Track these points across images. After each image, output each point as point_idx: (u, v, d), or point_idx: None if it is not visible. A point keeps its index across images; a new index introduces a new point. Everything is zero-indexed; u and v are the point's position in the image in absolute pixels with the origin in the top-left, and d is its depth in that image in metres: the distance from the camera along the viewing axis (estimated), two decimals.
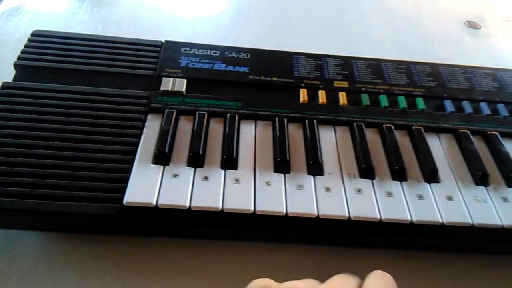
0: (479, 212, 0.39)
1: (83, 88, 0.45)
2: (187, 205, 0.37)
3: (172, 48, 0.52)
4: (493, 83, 0.54)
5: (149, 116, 0.44)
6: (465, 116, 0.49)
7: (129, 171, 0.39)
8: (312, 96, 0.49)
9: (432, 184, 0.41)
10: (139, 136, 0.42)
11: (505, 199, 0.41)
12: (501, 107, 0.50)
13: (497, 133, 0.47)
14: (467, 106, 0.50)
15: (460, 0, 0.89)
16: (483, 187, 0.42)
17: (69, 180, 0.38)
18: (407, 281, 0.31)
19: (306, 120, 0.45)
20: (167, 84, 0.47)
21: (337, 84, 0.51)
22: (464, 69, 0.55)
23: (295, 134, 0.45)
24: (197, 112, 0.44)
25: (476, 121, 0.48)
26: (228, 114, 0.45)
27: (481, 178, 0.42)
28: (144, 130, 0.43)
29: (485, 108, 0.50)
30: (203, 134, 0.42)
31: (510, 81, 0.54)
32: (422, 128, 0.46)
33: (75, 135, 0.41)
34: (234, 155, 0.41)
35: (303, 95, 0.49)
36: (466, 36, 0.77)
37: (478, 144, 0.46)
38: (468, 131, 0.47)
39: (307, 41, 0.66)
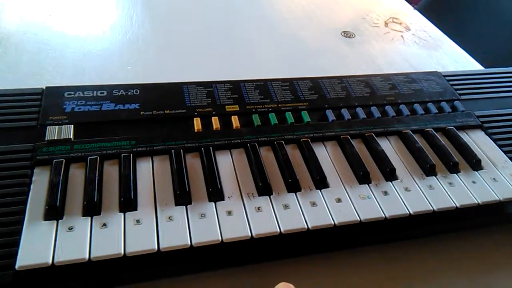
0: (365, 208, 0.44)
1: None
2: (86, 257, 0.36)
3: (55, 93, 0.50)
4: (366, 89, 0.61)
5: (35, 170, 0.42)
6: (345, 123, 0.54)
7: (19, 232, 0.37)
8: (206, 123, 0.51)
9: (323, 190, 0.46)
10: (26, 193, 0.40)
11: (385, 193, 0.46)
12: (374, 109, 0.57)
13: (372, 133, 0.53)
14: (346, 113, 0.56)
15: (335, 12, 0.99)
16: (366, 185, 0.47)
17: None
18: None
19: (202, 148, 0.47)
20: (53, 132, 0.45)
21: (228, 108, 0.53)
22: (340, 79, 0.62)
23: (193, 164, 0.46)
24: (88, 158, 0.43)
25: (355, 126, 0.54)
26: (122, 155, 0.44)
27: (363, 177, 0.47)
28: (32, 185, 0.41)
29: (360, 112, 0.56)
30: (96, 179, 0.42)
31: (380, 85, 0.62)
32: (309, 140, 0.51)
33: None
34: (132, 196, 0.41)
35: (197, 124, 0.50)
36: (343, 45, 0.86)
37: (358, 146, 0.52)
38: (348, 136, 0.52)
39: (198, 69, 0.68)
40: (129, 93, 0.52)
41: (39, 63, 0.66)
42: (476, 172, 0.51)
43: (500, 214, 0.48)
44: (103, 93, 0.52)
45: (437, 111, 0.58)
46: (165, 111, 0.51)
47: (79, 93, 0.51)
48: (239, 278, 0.41)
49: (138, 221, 0.39)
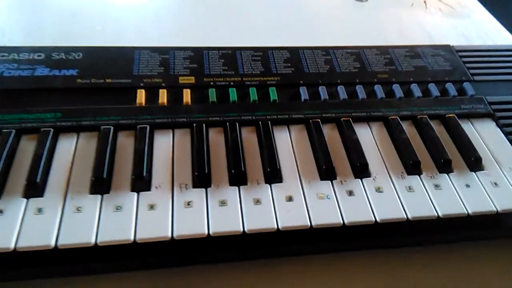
0: (319, 211, 0.36)
1: None
2: None
3: None
4: (355, 63, 0.51)
5: None
6: (319, 103, 0.46)
7: None
8: (152, 96, 0.44)
9: (273, 185, 0.38)
10: None
11: (350, 193, 0.38)
12: (359, 89, 0.47)
13: (350, 118, 0.44)
14: (323, 92, 0.47)
15: None
16: (329, 182, 0.39)
17: None
18: None
19: (138, 127, 0.40)
20: None
21: (182, 80, 0.46)
22: (326, 50, 0.52)
23: (125, 145, 0.40)
24: (1, 131, 0.38)
25: (331, 108, 0.45)
26: (42, 129, 0.39)
27: (326, 172, 0.39)
28: None
29: (341, 92, 0.47)
30: (3, 157, 0.36)
31: (373, 59, 0.52)
32: (269, 122, 0.42)
33: None
34: (39, 179, 0.35)
35: (140, 96, 0.43)
36: (352, 10, 0.74)
37: (330, 134, 0.43)
38: (319, 120, 0.43)
39: (180, 34, 0.60)
40: (69, 57, 0.46)
41: None
42: (473, 173, 0.41)
43: (497, 229, 0.39)
44: (40, 56, 0.45)
45: (439, 94, 0.48)
46: (106, 80, 0.44)
47: (13, 55, 0.45)
48: (164, 279, 0.35)
49: (40, 210, 0.34)
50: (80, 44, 0.48)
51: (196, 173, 0.37)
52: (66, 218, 0.33)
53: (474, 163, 0.41)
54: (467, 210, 0.38)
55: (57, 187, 0.35)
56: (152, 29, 0.61)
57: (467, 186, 0.40)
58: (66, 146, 0.39)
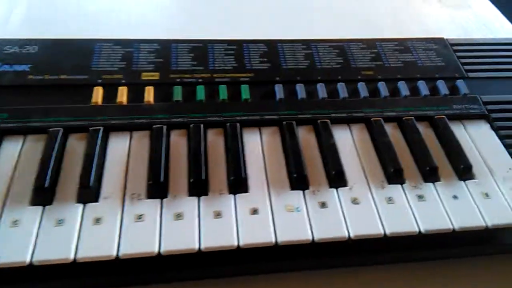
0: (286, 225, 0.33)
1: None
2: None
3: None
4: (338, 58, 0.47)
5: None
6: (296, 103, 0.41)
7: None
8: (110, 95, 0.40)
9: (238, 196, 0.34)
10: None
11: (323, 204, 0.34)
12: (340, 87, 0.43)
13: (328, 120, 0.40)
14: (301, 90, 0.42)
15: None
16: (300, 192, 0.35)
17: None
18: None
19: (90, 129, 0.37)
20: None
21: (145, 76, 0.42)
22: (307, 43, 0.48)
23: (75, 149, 0.36)
24: None
25: (308, 108, 0.41)
26: None
27: (296, 181, 0.35)
28: None
29: (321, 90, 0.43)
30: None
31: (358, 53, 0.47)
32: (238, 124, 0.39)
33: None
34: None
35: (96, 94, 0.39)
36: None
37: (306, 137, 0.39)
38: (294, 122, 0.39)
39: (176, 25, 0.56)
40: (23, 51, 0.42)
41: None
42: (462, 182, 0.37)
43: (487, 245, 0.35)
44: None
45: (428, 92, 0.44)
46: (60, 76, 0.40)
47: None
48: None
49: None
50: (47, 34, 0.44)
51: (150, 182, 0.34)
52: (2, 234, 0.30)
53: (464, 171, 0.37)
54: (453, 224, 0.34)
55: None
56: (115, 20, 0.57)
57: (455, 197, 0.36)
58: (10, 151, 0.35)
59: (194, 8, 0.61)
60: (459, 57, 0.48)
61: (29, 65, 0.41)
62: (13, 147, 0.35)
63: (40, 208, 0.32)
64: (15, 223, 0.31)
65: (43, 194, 0.32)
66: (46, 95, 0.39)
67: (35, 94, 0.39)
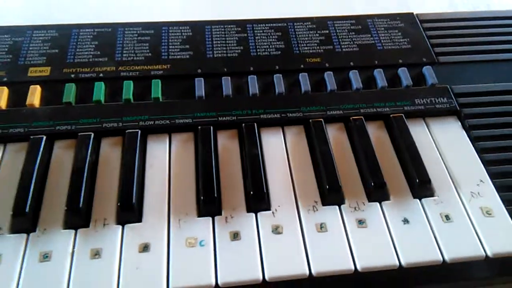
0: (183, 266, 0.25)
1: None
2: None
3: None
4: (278, 43, 0.38)
5: None
6: (217, 101, 0.33)
7: None
8: None
9: (126, 227, 0.27)
10: None
11: (235, 235, 0.27)
12: (277, 79, 0.35)
13: (254, 123, 0.32)
14: (227, 84, 0.34)
15: None
16: (208, 219, 0.28)
17: None
18: None
19: None
20: None
21: (33, 72, 0.34)
22: (242, 25, 0.39)
23: None
24: None
25: (231, 107, 0.33)
26: None
27: (204, 206, 0.28)
28: None
29: (252, 84, 0.34)
30: None
31: (305, 35, 0.39)
32: (139, 132, 0.31)
33: None
34: None
35: None
36: None
37: (226, 145, 0.31)
38: (211, 126, 0.31)
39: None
40: None
41: None
42: (417, 200, 0.30)
43: (443, 284, 0.28)
44: None
45: (386, 84, 0.36)
46: None
47: None
48: None
49: None
50: None
51: (12, 212, 0.26)
52: None
53: (420, 186, 0.30)
54: (399, 260, 0.26)
55: None
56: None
57: (405, 221, 0.28)
58: None
59: None
60: (429, 37, 0.40)
61: None
62: None
63: None
64: None
65: None
66: None
67: None
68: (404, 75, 0.36)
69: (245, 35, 0.38)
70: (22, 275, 0.25)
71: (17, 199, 0.27)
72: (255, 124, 0.32)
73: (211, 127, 0.32)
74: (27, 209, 0.26)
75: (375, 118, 0.34)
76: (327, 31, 0.39)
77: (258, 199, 0.28)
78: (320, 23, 0.40)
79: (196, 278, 0.25)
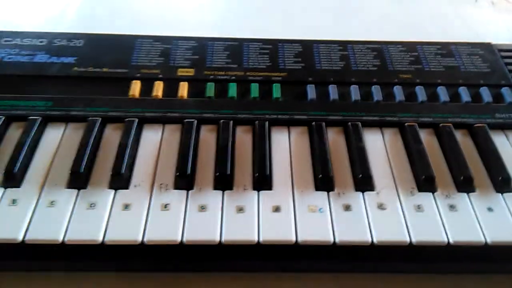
0: (307, 225, 0.32)
1: None
2: None
3: None
4: (374, 60, 0.46)
5: None
6: (327, 104, 0.41)
7: None
8: (147, 88, 0.41)
9: (261, 193, 0.34)
10: None
11: (347, 207, 0.34)
12: (375, 90, 0.42)
13: (359, 122, 0.39)
14: (333, 91, 0.42)
15: None
16: (325, 193, 0.35)
17: None
18: None
19: (126, 120, 0.38)
20: None
21: (181, 72, 0.43)
22: (343, 44, 0.47)
23: (111, 138, 0.38)
24: None
25: (339, 109, 0.40)
26: (29, 117, 0.38)
27: (322, 182, 0.35)
28: None
29: (355, 92, 0.42)
30: None
31: (397, 56, 0.46)
32: (267, 122, 0.39)
33: None
34: (17, 170, 0.34)
35: (133, 88, 0.41)
36: (387, 1, 0.68)
37: (335, 138, 0.39)
38: (323, 123, 0.39)
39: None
40: (70, 44, 0.45)
41: None
42: (500, 194, 0.35)
43: None
44: (42, 42, 0.45)
45: (470, 99, 0.42)
46: (103, 69, 0.43)
47: (17, 40, 0.45)
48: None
49: (14, 202, 0.33)
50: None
51: (177, 174, 0.35)
52: (39, 212, 0.32)
53: (502, 183, 0.35)
54: (485, 238, 0.32)
55: (35, 179, 0.34)
56: (156, 17, 0.59)
57: (490, 209, 0.34)
58: (52, 137, 0.37)
59: (231, 7, 0.62)
60: (507, 64, 0.46)
61: (75, 58, 0.43)
62: (55, 133, 0.38)
63: (75, 191, 0.34)
64: (52, 203, 0.33)
65: (79, 179, 0.34)
66: (88, 86, 0.41)
67: (78, 85, 0.41)
68: (485, 93, 0.42)
69: (346, 53, 0.46)
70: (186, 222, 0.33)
71: (179, 164, 0.35)
72: (359, 124, 0.39)
73: (324, 123, 0.39)
74: (188, 171, 0.34)
75: (460, 127, 0.40)
76: (416, 53, 0.46)
77: (365, 181, 0.35)
78: (409, 46, 0.47)
79: (318, 235, 0.32)
